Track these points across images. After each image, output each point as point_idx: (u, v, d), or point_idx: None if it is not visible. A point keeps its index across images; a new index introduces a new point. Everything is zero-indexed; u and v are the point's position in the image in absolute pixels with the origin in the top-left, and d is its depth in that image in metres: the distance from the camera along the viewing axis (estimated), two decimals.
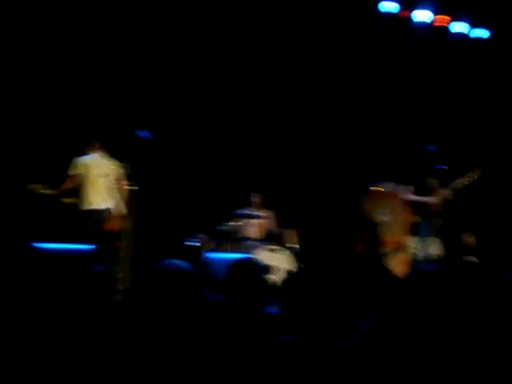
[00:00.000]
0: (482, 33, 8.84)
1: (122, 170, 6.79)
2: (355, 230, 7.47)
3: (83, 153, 6.77)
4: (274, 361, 2.43)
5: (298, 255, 7.44)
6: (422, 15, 8.65)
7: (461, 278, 2.28)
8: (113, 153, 6.94)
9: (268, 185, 8.22)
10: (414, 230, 7.33)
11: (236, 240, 7.65)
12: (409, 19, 8.68)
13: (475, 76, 8.88)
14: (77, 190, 6.64)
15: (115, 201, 6.71)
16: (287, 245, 7.62)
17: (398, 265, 6.56)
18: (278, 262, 7.19)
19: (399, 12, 8.63)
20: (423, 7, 8.61)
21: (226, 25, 8.14)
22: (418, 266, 6.87)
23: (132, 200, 6.46)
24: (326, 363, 2.35)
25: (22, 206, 6.78)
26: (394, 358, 2.13)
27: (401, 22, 8.70)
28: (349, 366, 2.19)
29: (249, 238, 7.79)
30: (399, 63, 8.91)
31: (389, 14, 8.62)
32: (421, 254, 7.14)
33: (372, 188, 7.20)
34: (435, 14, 8.67)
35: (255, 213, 7.93)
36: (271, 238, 7.76)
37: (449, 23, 8.73)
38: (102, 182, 6.69)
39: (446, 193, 7.18)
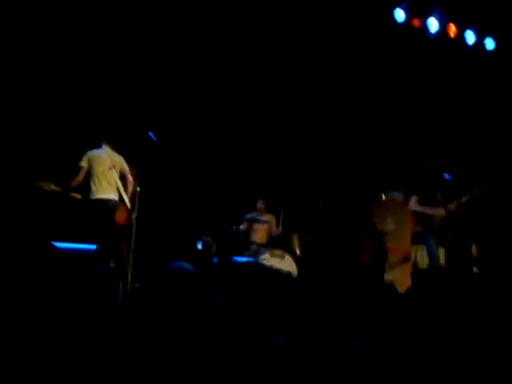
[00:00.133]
0: (489, 42, 8.83)
1: (127, 166, 6.86)
2: (361, 238, 7.48)
3: (92, 147, 6.81)
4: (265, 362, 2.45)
5: (299, 261, 7.48)
6: (434, 23, 8.63)
7: (465, 288, 2.29)
8: (121, 151, 6.99)
9: (273, 190, 8.25)
10: (418, 240, 7.33)
11: (241, 244, 7.70)
12: (421, 27, 8.66)
13: (487, 86, 8.86)
14: (86, 184, 6.68)
15: (122, 194, 6.77)
16: (294, 251, 7.66)
17: (403, 276, 6.57)
18: (281, 266, 7.22)
19: (411, 20, 8.61)
20: (435, 15, 8.60)
21: (238, 33, 8.15)
22: (421, 277, 6.87)
23: (134, 199, 6.61)
24: (321, 366, 2.36)
25: (33, 204, 6.80)
26: (393, 369, 2.14)
27: (413, 29, 8.67)
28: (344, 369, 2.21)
29: (253, 243, 7.84)
30: (411, 71, 8.90)
31: (401, 22, 8.59)
32: (424, 264, 7.15)
33: (379, 196, 7.21)
34: (446, 22, 8.67)
35: (260, 217, 7.98)
36: (275, 243, 7.80)
37: (461, 32, 8.71)
38: (110, 174, 6.73)
39: (450, 206, 7.18)
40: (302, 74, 8.64)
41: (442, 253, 7.18)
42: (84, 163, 6.62)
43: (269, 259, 7.09)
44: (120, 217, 6.67)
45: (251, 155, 8.61)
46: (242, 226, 7.81)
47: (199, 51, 8.15)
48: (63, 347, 2.47)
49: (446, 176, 7.02)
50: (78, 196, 6.59)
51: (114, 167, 6.74)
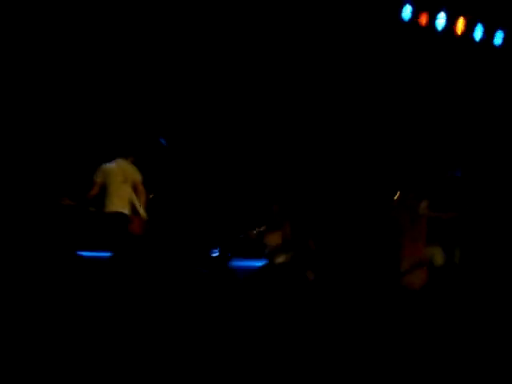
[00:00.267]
0: (498, 37, 8.77)
1: (141, 176, 6.95)
2: (378, 240, 7.52)
3: (106, 160, 6.91)
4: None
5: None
6: (442, 18, 8.59)
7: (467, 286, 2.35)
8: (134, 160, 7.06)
9: (288, 194, 8.29)
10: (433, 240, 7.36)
11: (255, 248, 7.77)
12: (428, 24, 8.63)
13: (495, 81, 8.83)
14: (101, 198, 6.79)
15: (137, 206, 6.87)
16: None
17: (418, 277, 6.60)
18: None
19: (418, 15, 8.56)
20: (442, 10, 8.56)
21: (246, 36, 8.17)
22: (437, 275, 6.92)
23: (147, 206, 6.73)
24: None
25: (52, 218, 6.96)
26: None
27: (419, 27, 8.64)
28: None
29: (268, 246, 7.89)
30: (419, 69, 8.88)
31: (408, 19, 8.56)
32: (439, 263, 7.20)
33: (395, 198, 7.23)
34: (454, 17, 8.62)
35: (274, 221, 8.03)
36: (289, 246, 7.86)
37: (469, 27, 8.66)
38: (123, 188, 6.82)
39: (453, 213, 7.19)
40: (310, 74, 8.66)
41: (456, 252, 7.24)
42: (98, 178, 6.72)
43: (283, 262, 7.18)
44: (134, 227, 6.79)
45: (266, 160, 8.65)
46: (255, 231, 7.87)
47: (207, 58, 8.19)
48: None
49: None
50: (92, 209, 6.71)
51: (127, 180, 6.82)
